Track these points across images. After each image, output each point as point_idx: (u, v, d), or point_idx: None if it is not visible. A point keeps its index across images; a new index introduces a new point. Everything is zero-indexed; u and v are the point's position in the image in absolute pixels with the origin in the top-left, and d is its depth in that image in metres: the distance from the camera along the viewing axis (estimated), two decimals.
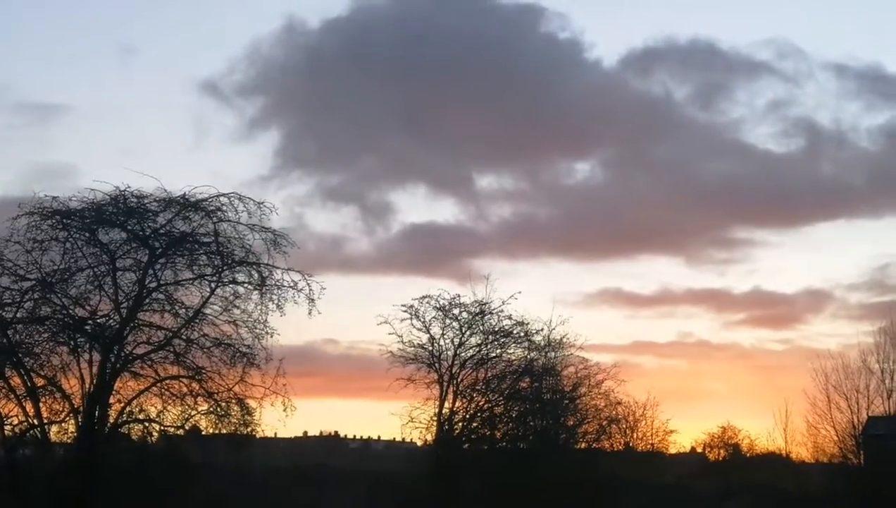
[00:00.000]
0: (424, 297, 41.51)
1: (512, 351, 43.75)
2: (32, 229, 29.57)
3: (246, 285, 31.27)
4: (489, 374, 43.07)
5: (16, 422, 29.82)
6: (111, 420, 30.33)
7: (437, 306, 41.69)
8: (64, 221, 30.00)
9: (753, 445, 74.89)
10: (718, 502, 64.87)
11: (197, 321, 30.99)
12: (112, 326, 30.44)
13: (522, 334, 43.43)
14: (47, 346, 29.89)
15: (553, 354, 45.96)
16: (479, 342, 42.49)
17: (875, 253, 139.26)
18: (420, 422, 41.61)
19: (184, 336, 30.91)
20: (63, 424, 30.00)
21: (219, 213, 30.99)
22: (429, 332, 41.74)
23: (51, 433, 29.99)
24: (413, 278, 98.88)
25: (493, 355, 43.03)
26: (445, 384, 41.62)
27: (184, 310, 31.05)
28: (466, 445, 43.72)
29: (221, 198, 31.03)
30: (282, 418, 31.12)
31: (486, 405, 43.32)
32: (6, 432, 29.81)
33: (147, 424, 30.84)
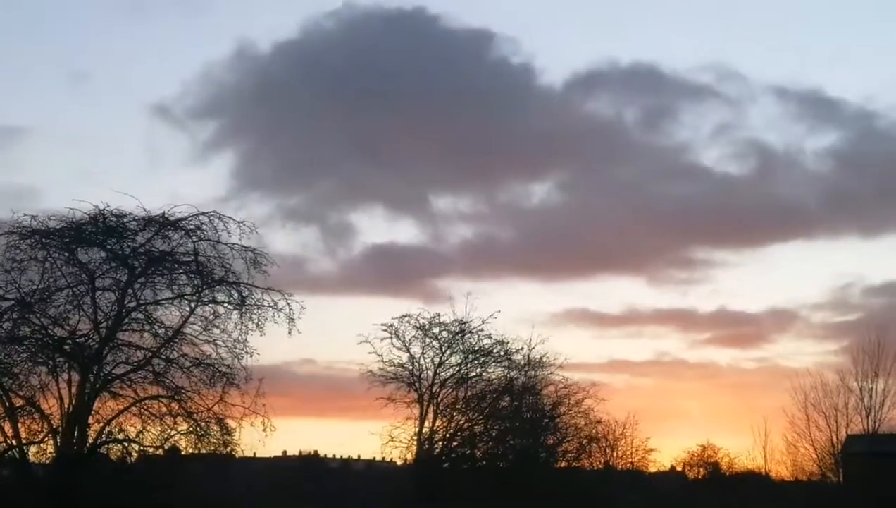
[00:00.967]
0: (404, 316, 41.66)
1: (492, 370, 43.87)
2: (11, 248, 29.55)
3: (226, 304, 31.30)
4: (469, 393, 43.15)
5: None
6: (90, 441, 30.20)
7: (417, 325, 41.81)
8: (43, 240, 29.93)
9: (733, 463, 75.03)
10: None
11: (176, 340, 30.97)
12: (91, 345, 30.36)
13: (502, 353, 43.55)
14: (26, 366, 29.86)
15: (533, 373, 46.02)
16: (459, 361, 42.62)
17: (835, 272, 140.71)
18: (400, 441, 41.70)
19: (163, 356, 30.87)
20: (42, 444, 29.96)
21: (198, 232, 31.00)
22: (409, 351, 41.89)
23: (29, 453, 29.95)
24: (378, 298, 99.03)
25: (473, 374, 43.16)
26: (425, 403, 41.67)
27: (163, 330, 31.06)
28: (447, 464, 43.68)
29: (201, 217, 31.07)
30: (261, 437, 31.12)
31: (466, 425, 43.35)
32: None
33: (126, 444, 30.74)
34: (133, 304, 30.91)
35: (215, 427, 30.77)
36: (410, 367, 41.72)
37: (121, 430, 30.58)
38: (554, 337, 56.91)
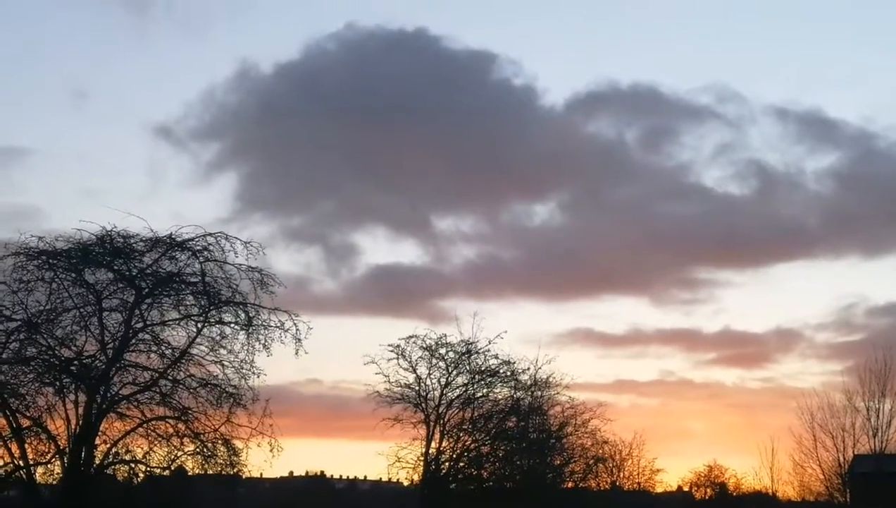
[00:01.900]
0: (411, 337, 41.61)
1: (498, 390, 43.83)
2: (18, 269, 29.55)
3: (233, 325, 31.27)
4: (476, 413, 43.07)
5: (1, 464, 29.63)
6: (97, 461, 30.15)
7: (424, 345, 41.77)
8: (50, 261, 29.96)
9: (740, 484, 74.84)
10: None
11: (183, 361, 30.93)
12: (98, 366, 30.32)
13: (509, 373, 43.50)
14: (33, 387, 29.76)
15: (540, 393, 45.99)
16: (466, 381, 42.55)
17: (838, 293, 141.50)
18: (407, 462, 41.62)
19: (170, 377, 30.83)
20: (49, 465, 29.78)
21: (205, 252, 31.04)
22: (415, 372, 41.82)
23: (36, 474, 29.81)
24: (382, 318, 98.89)
25: (480, 394, 43.09)
26: (432, 423, 41.58)
27: (170, 350, 31.01)
28: (454, 485, 43.59)
29: (208, 237, 31.10)
30: (268, 458, 31.09)
31: (472, 445, 43.26)
32: None
33: (133, 465, 30.66)
34: (140, 325, 30.91)
35: (222, 448, 30.72)
36: (417, 387, 41.69)
37: (127, 451, 30.54)
38: (559, 357, 57.07)
